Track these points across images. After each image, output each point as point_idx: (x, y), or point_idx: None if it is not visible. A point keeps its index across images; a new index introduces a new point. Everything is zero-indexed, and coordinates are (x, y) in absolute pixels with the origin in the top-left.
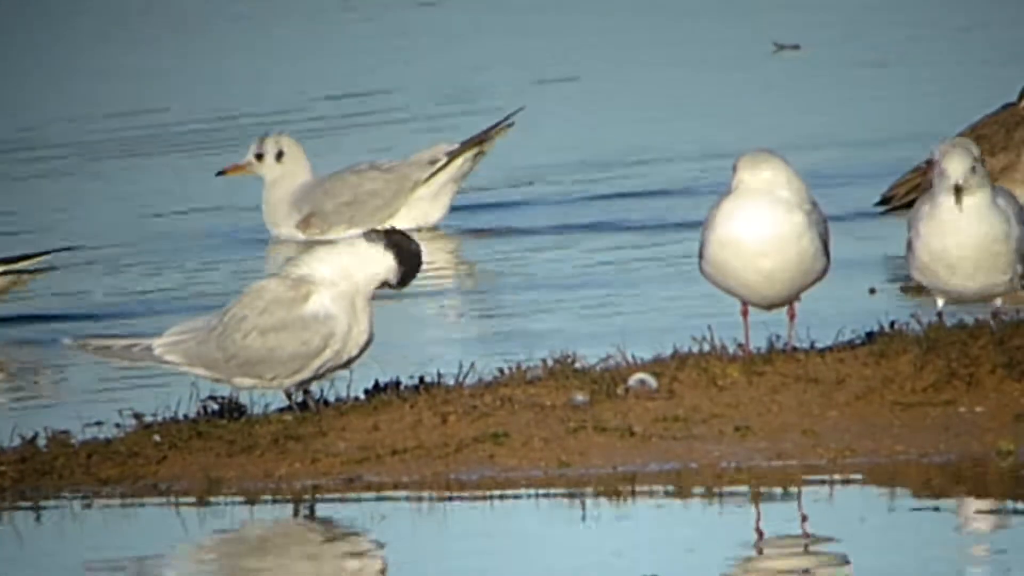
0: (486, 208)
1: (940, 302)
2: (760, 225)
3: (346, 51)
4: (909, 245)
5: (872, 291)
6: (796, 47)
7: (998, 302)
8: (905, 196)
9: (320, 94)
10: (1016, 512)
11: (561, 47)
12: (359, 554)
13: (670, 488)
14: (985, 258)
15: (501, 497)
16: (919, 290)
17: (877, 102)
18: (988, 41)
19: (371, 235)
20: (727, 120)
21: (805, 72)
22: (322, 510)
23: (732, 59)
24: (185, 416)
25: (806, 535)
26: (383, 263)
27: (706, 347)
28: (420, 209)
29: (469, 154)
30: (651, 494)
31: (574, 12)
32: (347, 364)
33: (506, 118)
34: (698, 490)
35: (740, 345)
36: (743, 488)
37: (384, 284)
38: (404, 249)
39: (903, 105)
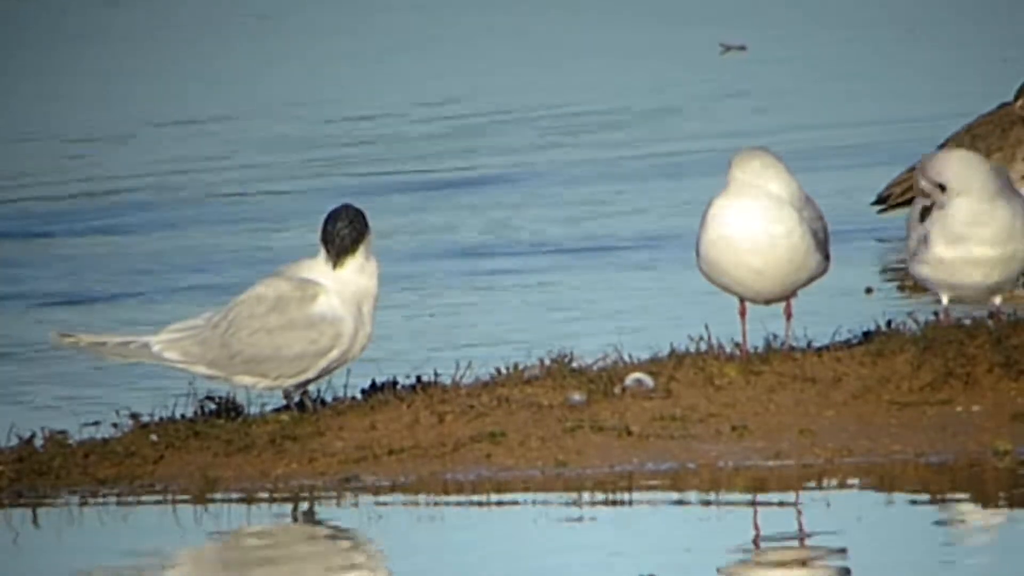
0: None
1: (945, 299)
2: (750, 222)
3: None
4: (923, 240)
5: (869, 290)
6: (742, 48)
7: (997, 301)
8: (902, 195)
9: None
10: (1012, 511)
11: (507, 47)
12: (356, 554)
13: (667, 488)
14: (1008, 252)
15: (498, 497)
16: (916, 289)
17: (825, 101)
18: (929, 41)
19: (352, 249)
20: (675, 122)
21: (752, 72)
22: (319, 510)
23: (679, 60)
24: (182, 416)
25: (803, 534)
26: (365, 245)
27: (703, 346)
28: None
29: None
30: (648, 494)
31: (511, 9)
32: (345, 364)
33: None
34: (695, 490)
35: (737, 344)
36: (740, 487)
37: None
38: (360, 223)
39: (849, 105)
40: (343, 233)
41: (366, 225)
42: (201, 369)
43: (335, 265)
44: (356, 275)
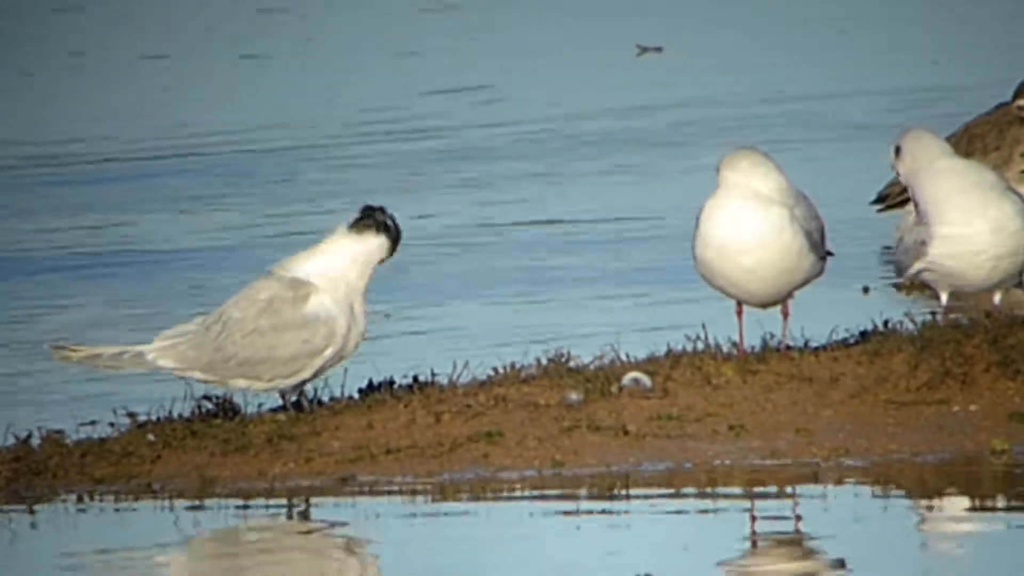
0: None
1: (944, 298)
2: (739, 222)
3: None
4: (919, 244)
5: (866, 290)
6: (659, 49)
7: (996, 299)
8: (900, 195)
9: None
10: (1010, 511)
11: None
12: (353, 553)
13: (664, 487)
14: (1010, 246)
15: (495, 496)
16: (913, 289)
17: (740, 103)
18: (853, 42)
19: (358, 228)
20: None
21: (668, 73)
22: (316, 509)
23: (595, 61)
24: (179, 415)
25: (800, 534)
26: (377, 246)
27: (700, 346)
28: None
29: None
30: (645, 493)
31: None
32: (340, 361)
33: None
34: (692, 489)
35: (734, 344)
36: (737, 487)
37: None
38: (389, 223)
39: (768, 106)
40: (392, 218)
41: (396, 230)
42: (197, 375)
43: (357, 227)
44: (346, 272)
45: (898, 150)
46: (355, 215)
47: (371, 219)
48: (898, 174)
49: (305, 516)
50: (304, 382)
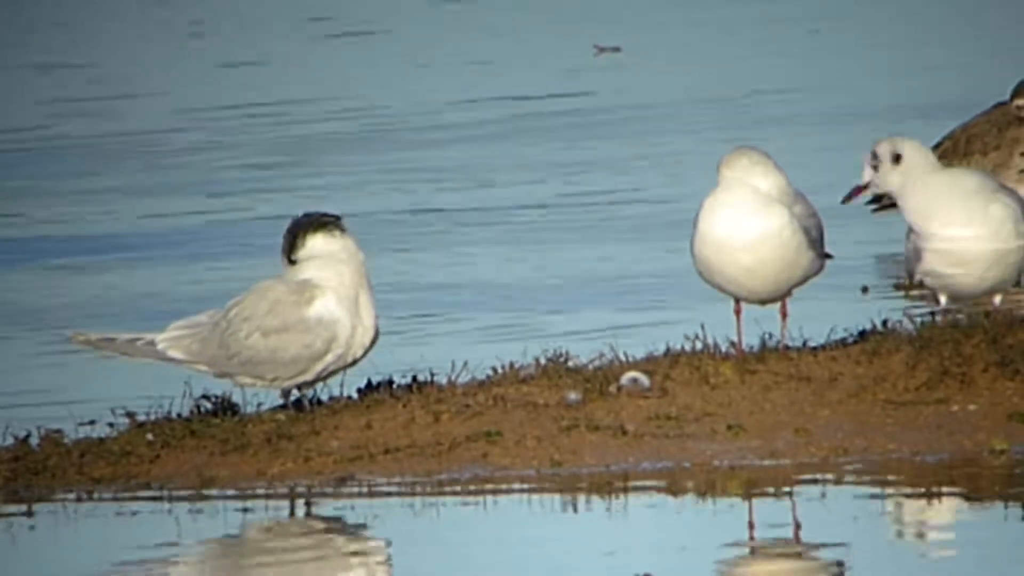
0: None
1: (943, 299)
2: (738, 220)
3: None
4: (916, 252)
5: (864, 289)
6: (617, 49)
7: (996, 300)
8: None
9: None
10: (1008, 510)
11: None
12: (351, 553)
13: (663, 487)
14: (1000, 249)
15: (494, 496)
16: (912, 288)
17: (699, 105)
18: (816, 44)
19: (329, 229)
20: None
21: (626, 73)
22: (315, 509)
23: (554, 61)
24: (178, 415)
25: (799, 534)
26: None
27: (699, 345)
28: None
29: None
30: (644, 493)
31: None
32: (351, 365)
33: None
34: (691, 489)
35: (733, 343)
36: (736, 487)
37: None
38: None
39: (727, 109)
40: (284, 235)
41: (299, 224)
42: (203, 368)
43: (288, 263)
44: (346, 266)
45: (897, 157)
46: (322, 218)
47: (333, 219)
48: (870, 184)
49: (304, 515)
50: (310, 383)
